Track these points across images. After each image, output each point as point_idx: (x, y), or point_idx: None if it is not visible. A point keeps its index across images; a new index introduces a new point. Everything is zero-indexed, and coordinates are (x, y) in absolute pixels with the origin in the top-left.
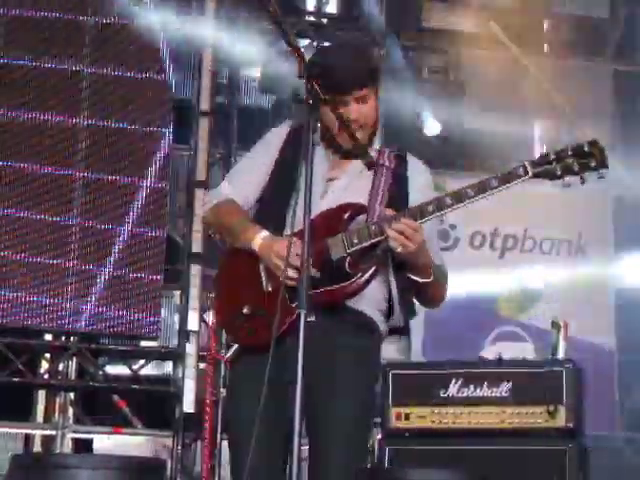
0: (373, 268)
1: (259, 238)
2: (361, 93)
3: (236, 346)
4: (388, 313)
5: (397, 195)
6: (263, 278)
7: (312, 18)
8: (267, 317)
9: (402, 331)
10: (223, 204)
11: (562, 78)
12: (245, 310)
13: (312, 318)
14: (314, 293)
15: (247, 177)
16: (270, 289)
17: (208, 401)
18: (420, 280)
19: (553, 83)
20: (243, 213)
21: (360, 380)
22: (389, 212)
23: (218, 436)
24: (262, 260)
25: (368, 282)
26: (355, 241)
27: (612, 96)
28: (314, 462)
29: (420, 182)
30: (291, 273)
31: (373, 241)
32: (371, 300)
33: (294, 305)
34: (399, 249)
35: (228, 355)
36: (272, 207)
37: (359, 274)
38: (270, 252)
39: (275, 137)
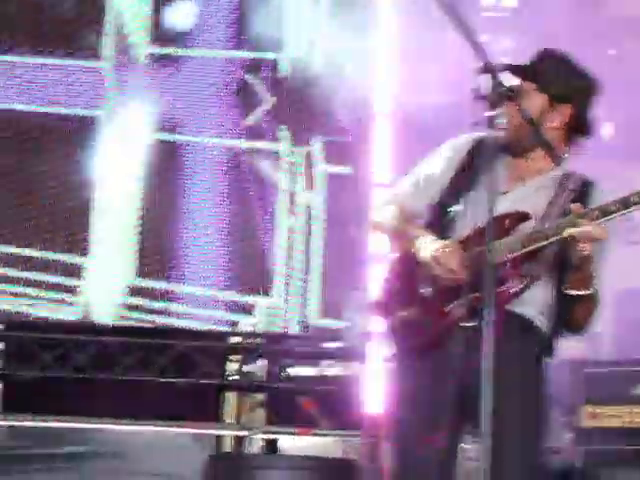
0: (534, 274)
1: (421, 242)
2: (560, 99)
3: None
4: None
5: None
6: (421, 282)
7: (490, 13)
8: (422, 321)
9: (546, 351)
10: (393, 205)
11: None
12: (403, 313)
13: (472, 323)
14: (473, 297)
15: (425, 181)
16: (428, 294)
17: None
18: (575, 293)
19: None
20: (409, 216)
21: (528, 381)
22: (577, 207)
23: None
24: (422, 263)
25: (527, 287)
26: (518, 246)
27: None
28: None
29: None
30: (445, 276)
31: (545, 243)
32: (533, 302)
33: (447, 309)
34: (585, 252)
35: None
36: (443, 214)
37: (518, 279)
38: (428, 254)
39: (458, 145)
